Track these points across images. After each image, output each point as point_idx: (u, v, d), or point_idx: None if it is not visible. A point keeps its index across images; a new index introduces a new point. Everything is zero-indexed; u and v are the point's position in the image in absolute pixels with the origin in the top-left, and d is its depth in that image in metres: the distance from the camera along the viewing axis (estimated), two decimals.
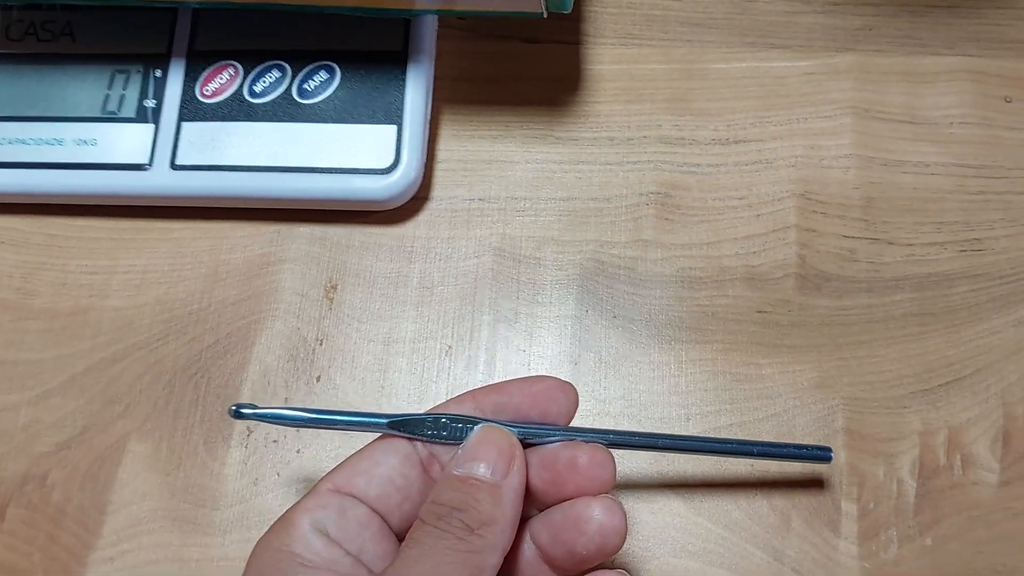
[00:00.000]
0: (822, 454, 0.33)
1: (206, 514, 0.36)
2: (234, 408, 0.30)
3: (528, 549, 0.30)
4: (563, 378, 0.36)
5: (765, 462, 0.35)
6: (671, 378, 0.37)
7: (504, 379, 0.36)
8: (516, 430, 0.30)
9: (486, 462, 0.28)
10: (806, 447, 0.33)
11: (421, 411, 0.31)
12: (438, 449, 0.30)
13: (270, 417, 0.30)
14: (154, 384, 0.37)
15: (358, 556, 0.28)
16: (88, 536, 0.35)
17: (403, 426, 0.30)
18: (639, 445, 0.31)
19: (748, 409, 0.36)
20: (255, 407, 0.30)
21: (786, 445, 0.34)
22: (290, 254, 0.39)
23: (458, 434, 0.30)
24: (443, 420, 0.30)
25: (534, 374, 0.36)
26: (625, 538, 0.28)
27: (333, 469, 0.30)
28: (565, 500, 0.29)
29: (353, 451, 0.30)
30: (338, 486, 0.29)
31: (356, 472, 0.29)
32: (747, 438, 0.36)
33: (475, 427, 0.29)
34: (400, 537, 0.30)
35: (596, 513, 0.28)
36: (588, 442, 0.30)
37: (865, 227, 0.39)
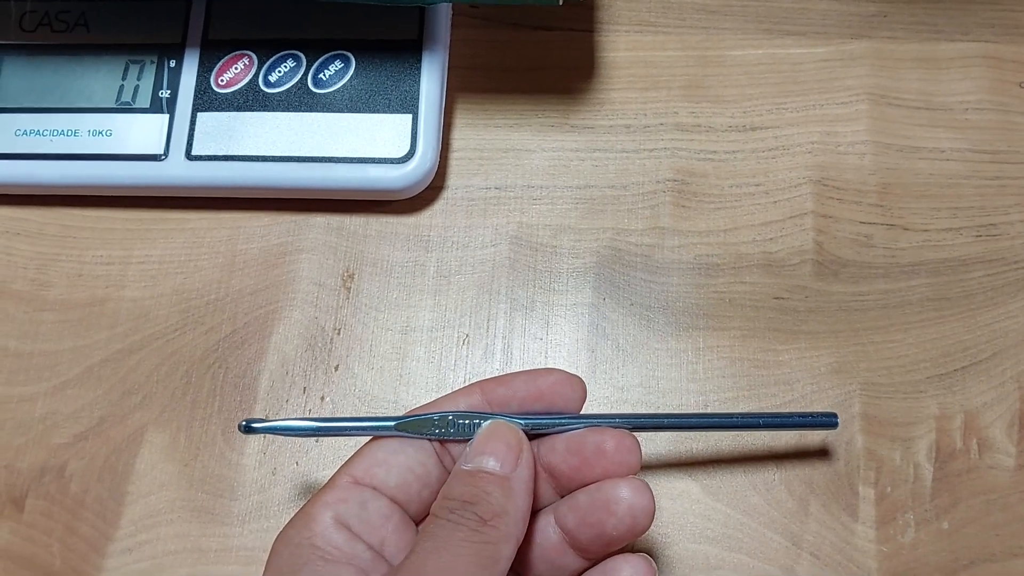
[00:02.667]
0: (828, 420, 0.34)
1: (224, 504, 0.37)
2: (244, 423, 0.32)
3: (553, 534, 0.31)
4: (581, 366, 0.38)
5: (783, 444, 0.37)
6: (689, 365, 0.39)
7: (517, 369, 0.38)
8: (525, 422, 0.31)
9: (495, 456, 0.30)
10: (811, 414, 0.35)
11: (437, 399, 0.32)
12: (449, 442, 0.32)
13: (280, 430, 0.32)
14: (171, 374, 0.39)
15: (379, 548, 0.30)
16: (106, 527, 0.37)
17: (411, 427, 0.31)
18: (646, 426, 0.33)
19: (766, 395, 0.38)
20: (264, 420, 0.32)
21: (792, 414, 0.36)
22: (307, 244, 0.41)
23: (466, 431, 0.31)
24: (450, 418, 0.31)
25: (542, 367, 0.38)
26: (653, 517, 0.30)
27: (350, 459, 0.31)
28: (590, 484, 0.31)
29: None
30: (357, 478, 0.31)
31: (375, 462, 0.31)
32: (752, 411, 0.38)
33: (483, 423, 0.31)
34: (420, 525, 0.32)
35: (625, 494, 0.30)
36: (615, 427, 0.31)
37: (881, 213, 0.40)
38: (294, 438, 0.38)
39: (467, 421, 0.31)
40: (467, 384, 0.33)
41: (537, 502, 0.32)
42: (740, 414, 0.36)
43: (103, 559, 0.36)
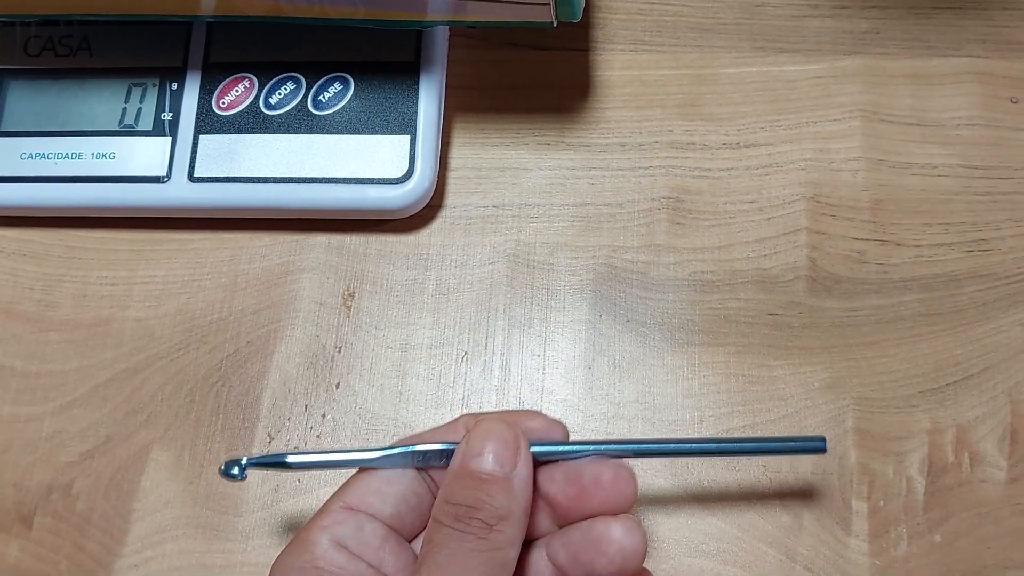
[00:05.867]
0: (816, 445, 0.34)
1: (229, 521, 0.38)
2: (224, 467, 0.32)
3: (545, 568, 0.32)
4: (577, 382, 0.39)
5: (777, 457, 0.38)
6: (685, 381, 0.39)
7: (515, 386, 0.40)
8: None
9: (493, 454, 0.30)
10: (801, 439, 0.35)
11: (438, 416, 0.33)
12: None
13: (261, 463, 0.33)
14: (176, 393, 0.40)
15: (379, 566, 0.30)
16: (113, 544, 0.38)
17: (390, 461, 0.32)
18: (640, 452, 0.33)
19: (760, 411, 0.39)
20: (241, 465, 0.32)
21: (782, 439, 0.36)
22: (308, 263, 0.42)
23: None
24: (429, 452, 0.32)
25: (526, 408, 0.38)
26: (644, 557, 0.30)
27: (342, 487, 0.32)
28: (587, 516, 0.31)
29: None
30: (351, 505, 0.31)
31: (368, 491, 0.31)
32: (740, 436, 0.38)
33: (476, 422, 0.31)
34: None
35: (616, 534, 0.30)
36: (613, 456, 0.32)
37: (874, 229, 0.41)
38: (303, 438, 0.39)
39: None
40: (450, 421, 0.33)
41: (533, 532, 0.32)
42: (729, 440, 0.36)
43: (110, 575, 0.37)
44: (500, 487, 0.29)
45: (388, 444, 0.32)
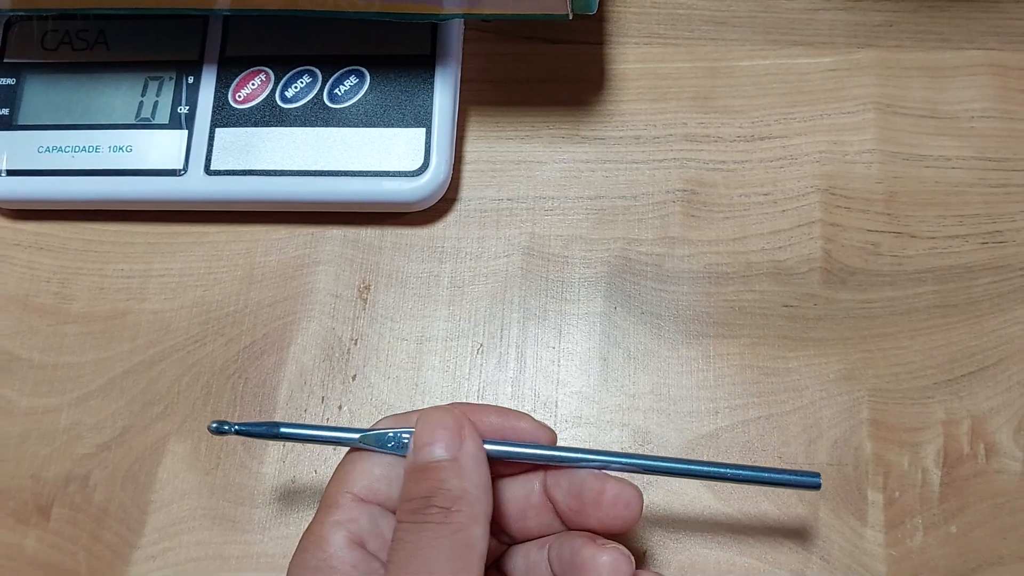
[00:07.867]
0: (811, 480, 0.32)
1: (245, 512, 0.38)
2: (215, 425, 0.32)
3: (545, 571, 0.32)
4: (592, 374, 0.40)
5: (792, 450, 0.38)
6: (699, 373, 0.40)
7: (531, 378, 0.40)
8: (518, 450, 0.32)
9: (438, 442, 0.30)
10: (796, 472, 0.33)
11: (408, 412, 0.33)
12: None
13: (244, 431, 0.33)
14: (192, 385, 0.41)
15: None
16: (130, 535, 0.38)
17: (371, 440, 0.32)
18: (633, 468, 0.32)
19: (775, 402, 0.39)
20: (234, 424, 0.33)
21: (777, 471, 0.33)
22: (324, 256, 0.42)
23: None
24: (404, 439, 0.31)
25: (514, 408, 0.37)
26: None
27: (342, 474, 0.32)
28: (588, 528, 0.31)
29: None
30: (361, 496, 0.31)
31: (374, 479, 0.31)
32: (742, 462, 0.38)
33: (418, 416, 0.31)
34: None
35: (600, 565, 0.30)
36: (621, 470, 0.32)
37: (888, 221, 0.42)
38: (320, 445, 0.39)
39: None
40: (446, 404, 0.33)
41: (542, 529, 0.32)
42: (721, 464, 0.33)
43: (127, 566, 0.38)
44: (450, 470, 0.29)
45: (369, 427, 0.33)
